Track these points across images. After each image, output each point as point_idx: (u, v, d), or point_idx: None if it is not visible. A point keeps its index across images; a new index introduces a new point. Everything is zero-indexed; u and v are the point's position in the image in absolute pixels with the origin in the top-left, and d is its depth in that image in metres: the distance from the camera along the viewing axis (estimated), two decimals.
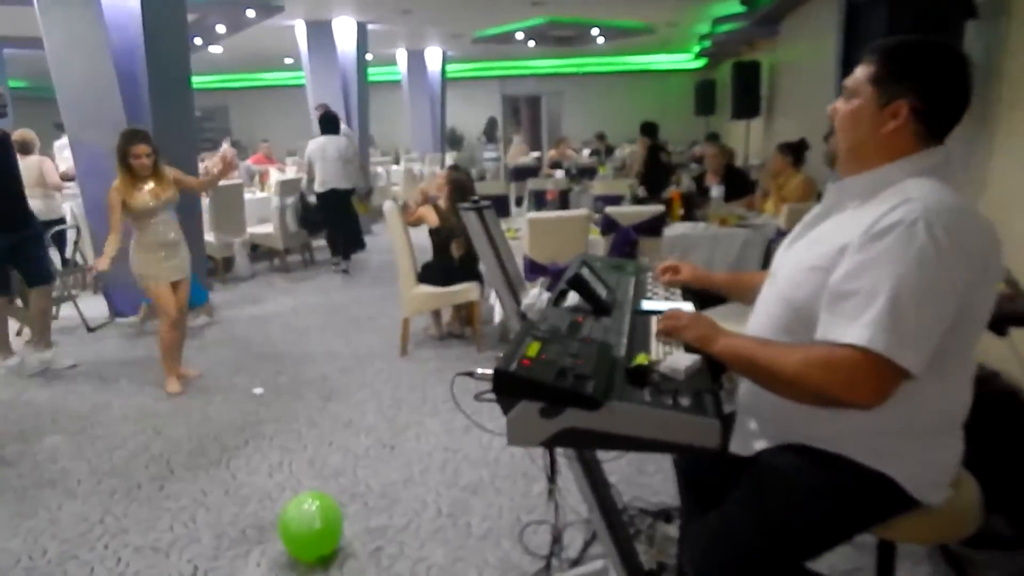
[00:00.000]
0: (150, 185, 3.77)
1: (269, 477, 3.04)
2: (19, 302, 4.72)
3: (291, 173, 8.73)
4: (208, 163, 8.64)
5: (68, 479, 3.07)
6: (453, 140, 16.64)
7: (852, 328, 1.18)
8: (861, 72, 1.35)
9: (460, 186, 4.53)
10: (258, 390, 4.02)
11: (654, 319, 1.58)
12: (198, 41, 9.48)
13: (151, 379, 4.15)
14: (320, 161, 6.87)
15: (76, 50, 5.11)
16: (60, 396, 4.03)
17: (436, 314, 4.91)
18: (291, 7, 8.19)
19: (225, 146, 9.03)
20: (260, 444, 3.35)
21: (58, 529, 2.69)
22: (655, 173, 7.02)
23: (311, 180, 6.98)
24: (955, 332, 1.22)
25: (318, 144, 6.92)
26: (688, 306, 1.70)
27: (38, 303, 4.39)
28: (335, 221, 7.10)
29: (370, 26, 9.76)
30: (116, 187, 3.73)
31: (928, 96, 1.28)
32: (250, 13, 7.98)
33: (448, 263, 4.57)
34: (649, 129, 7.50)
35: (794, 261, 1.41)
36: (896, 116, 1.29)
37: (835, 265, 1.25)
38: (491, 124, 17.08)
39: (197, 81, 5.96)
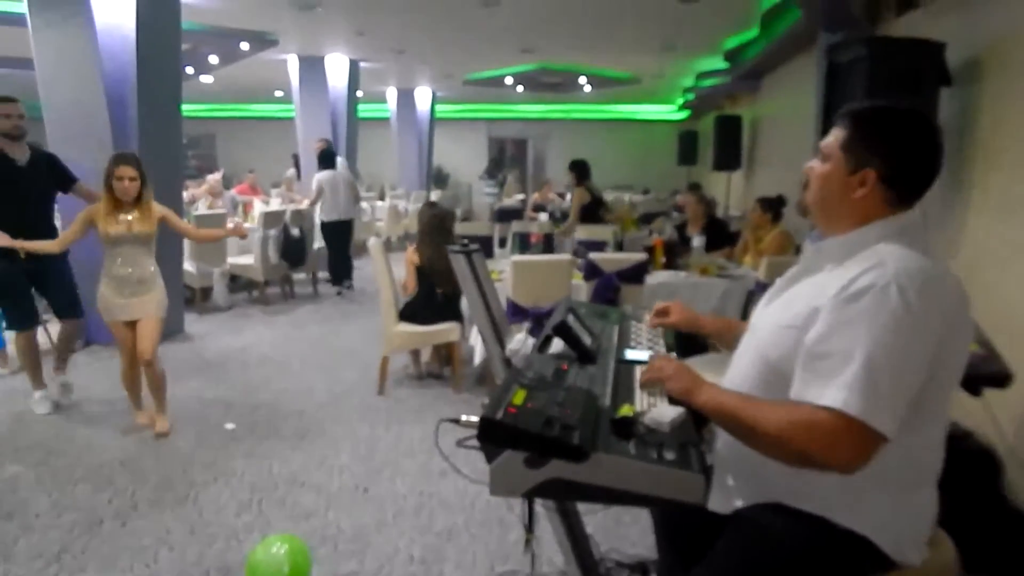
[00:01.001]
0: (128, 216, 3.56)
1: (237, 516, 2.95)
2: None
3: (275, 205, 8.72)
4: (194, 191, 8.60)
5: (26, 511, 2.95)
6: (439, 178, 16.78)
7: (827, 389, 1.20)
8: (833, 136, 1.40)
9: (438, 223, 4.56)
10: (230, 425, 3.93)
11: (638, 368, 1.58)
12: (190, 70, 9.54)
13: (119, 409, 4.04)
14: (331, 192, 7.36)
15: (66, 71, 5.11)
16: (22, 424, 3.91)
17: (416, 353, 4.87)
18: (285, 42, 8.29)
19: (212, 177, 9.00)
20: (230, 481, 3.25)
21: (11, 565, 2.57)
22: (591, 210, 7.08)
23: (313, 205, 7.59)
24: (928, 389, 1.24)
25: (329, 176, 7.36)
26: (670, 356, 1.71)
27: (65, 330, 4.17)
28: (338, 248, 7.62)
29: (362, 64, 9.90)
30: (93, 208, 3.57)
31: (896, 164, 1.33)
32: (244, 46, 8.06)
33: (431, 300, 4.55)
34: (580, 168, 7.40)
35: (772, 319, 1.44)
36: (864, 184, 1.34)
37: (809, 325, 1.28)
38: (493, 163, 17.23)
39: (186, 109, 5.97)
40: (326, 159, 7.45)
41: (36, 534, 2.78)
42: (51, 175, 4.01)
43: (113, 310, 3.62)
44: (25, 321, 3.99)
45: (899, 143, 1.33)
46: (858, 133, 1.35)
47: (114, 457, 3.48)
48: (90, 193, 4.03)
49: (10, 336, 4.32)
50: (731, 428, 1.33)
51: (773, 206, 5.35)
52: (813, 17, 5.01)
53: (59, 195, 4.22)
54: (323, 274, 8.03)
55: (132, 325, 3.65)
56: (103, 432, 3.80)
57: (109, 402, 4.20)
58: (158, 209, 3.68)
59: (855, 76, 3.60)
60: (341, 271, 7.68)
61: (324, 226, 7.54)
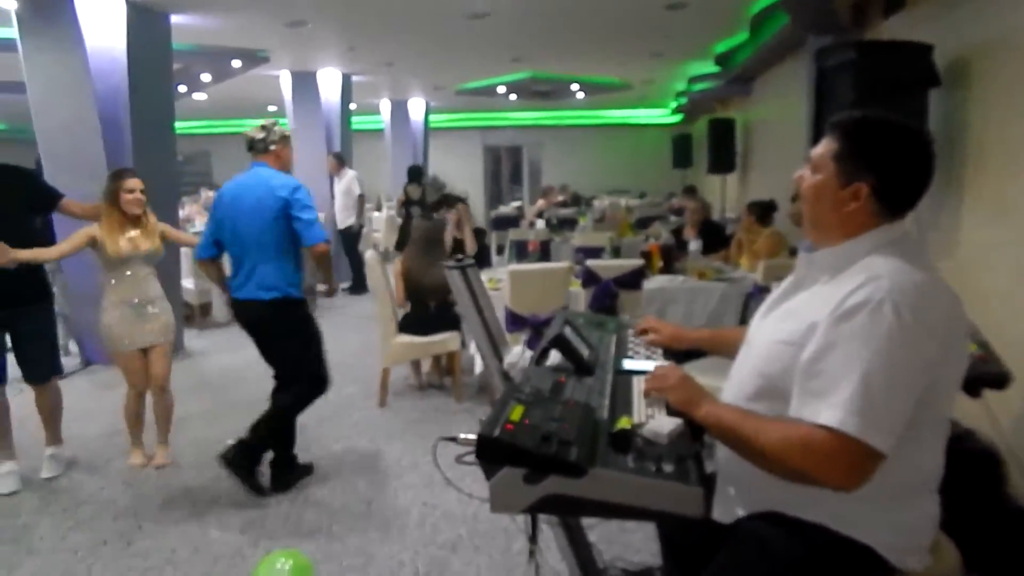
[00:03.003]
0: (132, 233, 3.41)
1: (241, 533, 2.95)
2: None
3: None
4: (190, 208, 8.62)
5: (30, 535, 2.96)
6: (435, 187, 16.79)
7: (824, 408, 1.20)
8: (824, 147, 1.39)
9: (424, 238, 4.59)
10: (231, 441, 3.92)
11: (636, 379, 1.60)
12: (182, 88, 9.55)
13: (121, 429, 4.03)
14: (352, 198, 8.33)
15: (59, 95, 5.13)
16: (24, 447, 3.90)
17: (416, 364, 4.88)
18: (276, 58, 8.31)
19: (205, 194, 9.04)
20: (233, 498, 3.25)
21: None
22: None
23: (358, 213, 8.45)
24: (926, 400, 1.25)
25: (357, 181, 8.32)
26: (670, 364, 1.72)
27: (45, 397, 3.51)
28: (354, 253, 8.40)
29: (355, 77, 9.93)
30: (95, 227, 3.37)
31: (888, 177, 1.33)
32: (236, 63, 8.08)
33: (423, 312, 4.57)
34: (414, 174, 8.71)
35: (768, 334, 1.44)
36: (857, 197, 1.34)
37: (805, 341, 1.29)
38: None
39: (180, 126, 6.00)
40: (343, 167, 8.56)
41: (40, 557, 2.79)
42: (20, 194, 3.38)
43: (123, 339, 3.41)
44: None
45: (893, 158, 1.33)
46: (851, 146, 1.35)
47: (117, 478, 3.48)
48: (82, 208, 3.60)
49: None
50: (730, 442, 1.34)
51: (761, 209, 5.39)
52: (801, 21, 5.04)
53: (61, 235, 3.94)
54: (321, 287, 8.03)
55: (143, 353, 3.48)
56: (105, 452, 3.79)
57: (110, 423, 4.19)
58: (157, 225, 3.54)
59: (844, 80, 3.62)
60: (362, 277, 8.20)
61: (345, 233, 8.40)
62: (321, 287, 7.69)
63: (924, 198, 1.38)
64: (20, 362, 3.40)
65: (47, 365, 3.48)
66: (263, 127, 3.33)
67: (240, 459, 3.18)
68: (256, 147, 3.28)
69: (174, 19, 5.72)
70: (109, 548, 2.84)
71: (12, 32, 5.25)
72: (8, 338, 3.38)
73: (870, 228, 1.35)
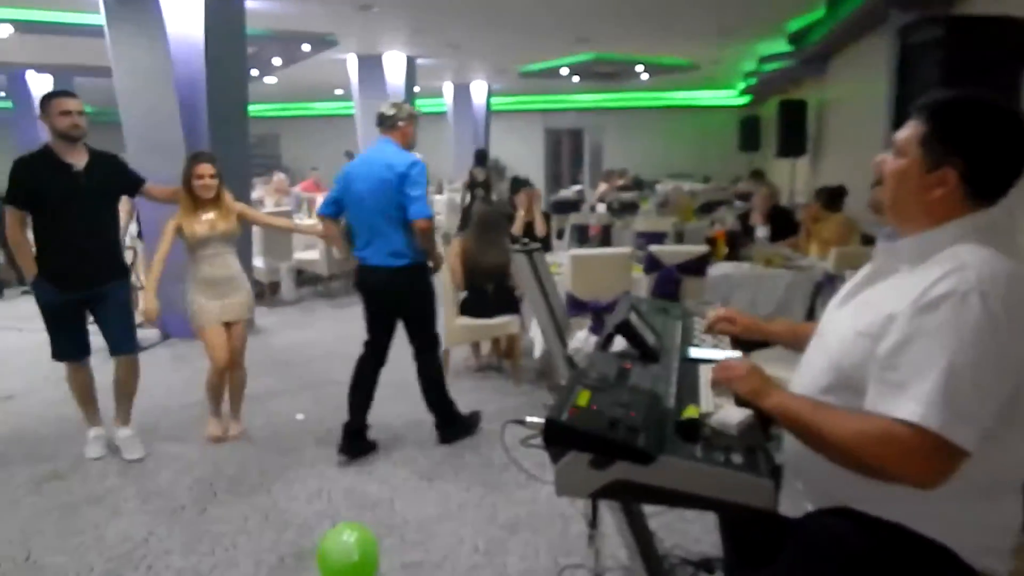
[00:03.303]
0: (209, 215, 3.52)
1: (308, 504, 3.07)
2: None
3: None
4: (262, 189, 8.91)
5: (115, 497, 3.15)
6: (496, 171, 16.84)
7: (904, 402, 1.16)
8: (910, 131, 1.32)
9: (483, 221, 4.61)
10: (300, 416, 4.09)
11: (702, 368, 1.57)
12: (255, 72, 9.86)
13: (196, 401, 4.24)
14: None
15: (142, 80, 5.37)
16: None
17: (475, 346, 4.94)
18: (344, 42, 8.47)
19: (278, 176, 9.32)
20: (300, 471, 3.38)
21: (104, 547, 2.75)
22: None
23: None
24: (1014, 397, 1.18)
25: None
26: (738, 355, 1.69)
27: (121, 369, 3.59)
28: None
29: (419, 60, 10.02)
30: (174, 216, 3.53)
31: (979, 163, 1.26)
32: (305, 47, 8.28)
33: (483, 295, 4.60)
34: (481, 157, 7.93)
35: (843, 325, 1.38)
36: (944, 183, 1.27)
37: (884, 333, 1.23)
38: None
39: (251, 110, 6.19)
40: None
41: (124, 518, 2.97)
42: (113, 179, 3.50)
43: (208, 314, 3.56)
44: (74, 352, 3.47)
45: (983, 141, 1.25)
46: (938, 129, 1.28)
47: (193, 446, 3.66)
48: (162, 191, 3.70)
49: None
50: (800, 434, 1.30)
51: (828, 196, 5.19)
52: None
53: (144, 214, 4.07)
54: None
55: (226, 327, 3.63)
56: (182, 422, 3.99)
57: (187, 394, 4.40)
58: (234, 205, 3.67)
59: (930, 59, 3.43)
60: None
61: None
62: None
63: (1018, 184, 1.30)
64: (105, 336, 3.52)
65: (132, 338, 3.63)
66: (393, 105, 3.56)
67: (446, 430, 3.65)
68: (385, 123, 3.49)
69: (248, 4, 5.88)
70: (187, 513, 3.00)
71: (100, 19, 5.52)
72: (89, 317, 3.54)
73: (957, 216, 1.28)
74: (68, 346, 3.45)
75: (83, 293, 3.37)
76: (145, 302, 3.50)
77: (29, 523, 2.94)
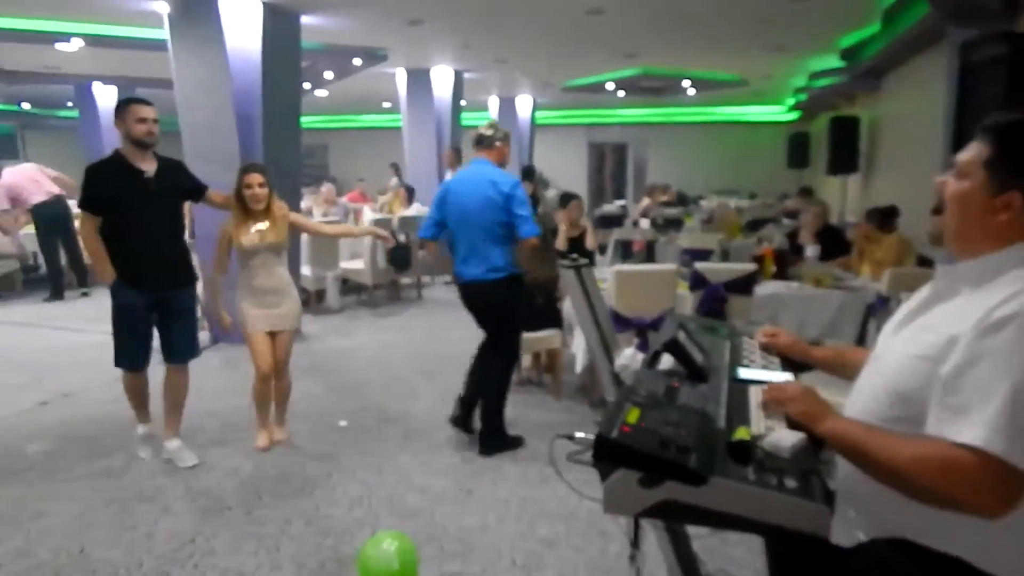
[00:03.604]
0: (260, 225, 3.54)
1: (349, 511, 3.10)
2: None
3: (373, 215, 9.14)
4: (311, 199, 9.10)
5: (165, 496, 3.24)
6: (541, 183, 16.88)
7: (966, 427, 1.12)
8: (973, 152, 1.29)
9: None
10: (343, 422, 4.14)
11: (752, 388, 1.55)
12: (307, 85, 10.11)
13: (244, 404, 4.34)
14: None
15: (202, 92, 5.56)
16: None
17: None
18: (394, 56, 8.63)
19: (326, 186, 9.54)
20: (342, 477, 3.43)
21: (153, 544, 2.83)
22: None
23: None
24: None
25: None
26: (788, 376, 1.65)
27: (174, 378, 3.63)
28: None
29: (466, 74, 10.14)
30: (226, 223, 3.59)
31: None
32: (357, 61, 8.47)
33: (525, 308, 4.58)
34: (528, 173, 7.92)
35: (901, 348, 1.35)
36: (1009, 207, 1.24)
37: (945, 356, 1.20)
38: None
39: (301, 121, 6.35)
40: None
41: (173, 517, 3.05)
42: (179, 185, 3.57)
43: (255, 321, 3.59)
44: (137, 361, 3.49)
45: None
46: (1005, 152, 1.24)
47: (240, 448, 3.74)
48: (221, 197, 3.72)
49: None
50: (856, 460, 1.27)
51: (880, 216, 5.06)
52: (943, 11, 4.67)
53: (198, 220, 4.13)
54: (426, 278, 8.30)
55: (270, 337, 3.64)
56: (230, 423, 4.09)
57: (235, 397, 4.50)
58: (286, 214, 3.66)
59: (993, 76, 3.34)
60: None
61: None
62: (406, 280, 8.01)
63: None
64: (167, 342, 3.54)
65: (192, 345, 3.64)
66: (491, 125, 3.75)
67: (489, 442, 3.71)
68: (484, 142, 3.68)
69: (304, 20, 6.06)
70: (233, 514, 3.07)
71: (163, 34, 5.75)
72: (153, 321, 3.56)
73: (1020, 239, 1.25)
74: (134, 353, 3.46)
75: (156, 296, 3.41)
76: (221, 317, 3.65)
77: (84, 517, 3.05)
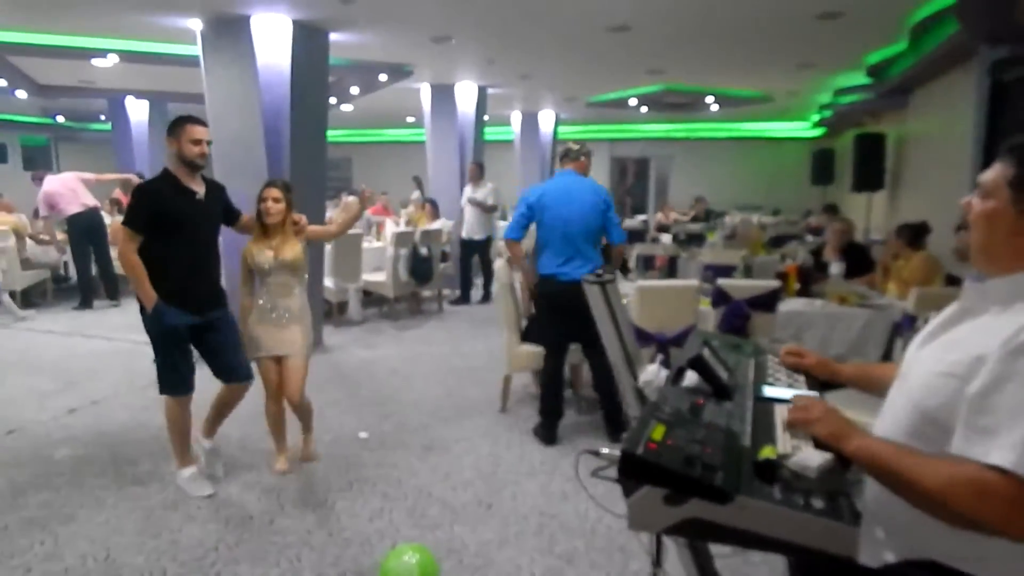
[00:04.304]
0: (273, 244, 3.44)
1: (370, 522, 3.12)
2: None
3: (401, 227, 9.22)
4: (332, 213, 9.20)
5: (189, 504, 3.28)
6: None
7: (995, 448, 1.11)
8: (998, 172, 1.29)
9: None
10: (363, 434, 4.17)
11: (778, 407, 1.54)
12: (333, 100, 10.26)
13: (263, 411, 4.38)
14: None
15: (232, 107, 5.68)
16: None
17: (537, 372, 4.93)
18: (419, 72, 8.73)
19: (349, 198, 9.64)
20: (363, 488, 3.45)
21: (178, 551, 2.86)
22: None
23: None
24: None
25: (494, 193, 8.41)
26: (814, 395, 1.64)
27: (228, 393, 3.52)
28: (488, 262, 8.51)
29: (489, 90, 10.22)
30: (247, 245, 3.51)
31: None
32: (382, 77, 8.58)
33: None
34: None
35: (927, 365, 1.34)
36: None
37: (972, 375, 1.19)
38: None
39: (328, 135, 6.44)
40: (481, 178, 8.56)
41: (197, 524, 3.08)
42: (221, 208, 3.50)
43: (259, 344, 3.46)
44: (180, 386, 3.34)
45: None
46: None
47: (261, 458, 3.78)
48: (249, 219, 3.62)
49: None
50: (885, 480, 1.26)
51: (911, 233, 4.99)
52: (972, 30, 4.63)
53: (226, 234, 4.04)
54: (447, 291, 8.35)
55: (278, 361, 3.50)
56: (253, 434, 4.13)
57: (257, 406, 4.53)
58: (304, 230, 3.54)
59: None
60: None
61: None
62: (427, 293, 8.12)
63: None
64: (223, 363, 3.41)
65: (244, 363, 3.49)
66: (576, 142, 4.16)
67: (616, 424, 4.02)
68: (571, 155, 4.07)
69: (332, 37, 6.17)
70: (255, 523, 3.10)
71: (195, 50, 5.88)
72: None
73: None
74: (182, 376, 3.32)
75: (201, 317, 3.30)
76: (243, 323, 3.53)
77: (110, 523, 3.10)
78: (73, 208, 7.62)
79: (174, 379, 3.32)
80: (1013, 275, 1.27)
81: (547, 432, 4.05)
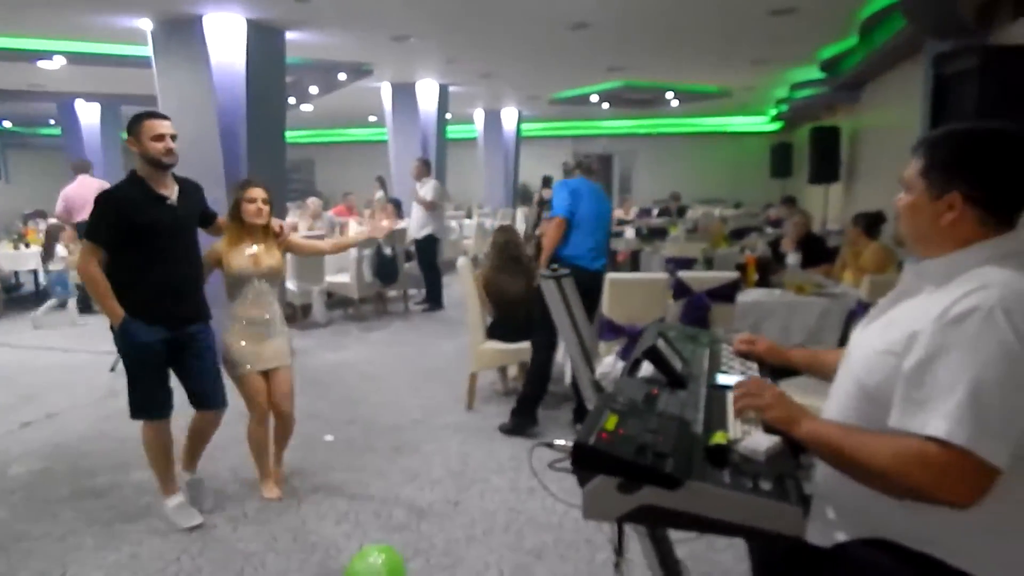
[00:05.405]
0: (254, 248, 3.16)
1: (336, 525, 3.09)
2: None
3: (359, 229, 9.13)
4: (295, 217, 9.09)
5: (151, 515, 3.20)
6: (525, 195, 16.95)
7: (931, 419, 1.16)
8: (912, 167, 1.38)
9: (503, 247, 4.67)
10: (329, 437, 4.13)
11: (730, 394, 1.57)
12: (292, 100, 10.13)
13: (227, 420, 4.29)
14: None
15: (186, 109, 5.56)
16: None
17: (503, 369, 4.95)
18: (379, 71, 8.67)
19: (312, 200, 9.56)
20: (329, 492, 3.41)
21: (138, 565, 2.80)
22: None
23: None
24: None
25: (433, 189, 7.79)
26: (760, 378, 1.68)
27: (202, 421, 3.20)
28: (433, 266, 8.00)
29: (451, 88, 10.20)
30: (215, 245, 3.19)
31: (981, 184, 1.29)
32: (341, 76, 8.50)
33: (512, 319, 4.62)
34: (547, 181, 8.60)
35: (867, 344, 1.40)
36: (952, 207, 1.31)
37: (907, 351, 1.24)
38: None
39: (287, 136, 6.36)
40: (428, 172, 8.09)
41: (159, 537, 3.02)
42: (197, 211, 3.16)
43: (244, 361, 3.15)
44: (155, 409, 3.02)
45: (984, 161, 1.30)
46: (935, 158, 1.34)
47: (223, 465, 3.71)
48: (223, 221, 3.31)
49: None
50: (834, 461, 1.30)
51: (867, 221, 5.12)
52: (919, 24, 4.77)
53: None
54: (413, 291, 8.30)
55: (264, 376, 3.23)
56: (217, 442, 4.04)
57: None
58: (285, 238, 3.31)
59: (965, 87, 3.41)
60: (438, 292, 8.07)
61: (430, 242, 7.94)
62: (393, 293, 8.01)
63: None
64: (196, 386, 3.10)
65: (220, 388, 3.16)
66: (587, 155, 4.73)
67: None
68: (583, 166, 4.49)
69: (289, 36, 6.09)
70: (218, 532, 3.05)
71: (147, 51, 5.75)
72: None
73: (981, 239, 1.31)
74: (155, 398, 3.00)
75: (173, 332, 2.97)
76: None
77: (67, 539, 3.01)
78: (82, 216, 7.49)
79: (146, 403, 3.00)
80: (947, 255, 1.33)
81: (531, 418, 4.19)
